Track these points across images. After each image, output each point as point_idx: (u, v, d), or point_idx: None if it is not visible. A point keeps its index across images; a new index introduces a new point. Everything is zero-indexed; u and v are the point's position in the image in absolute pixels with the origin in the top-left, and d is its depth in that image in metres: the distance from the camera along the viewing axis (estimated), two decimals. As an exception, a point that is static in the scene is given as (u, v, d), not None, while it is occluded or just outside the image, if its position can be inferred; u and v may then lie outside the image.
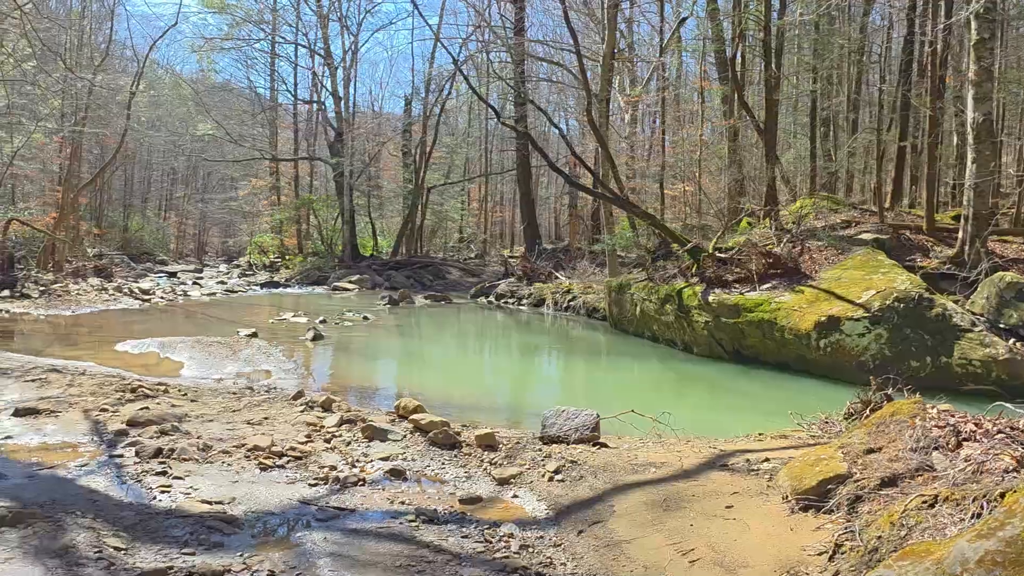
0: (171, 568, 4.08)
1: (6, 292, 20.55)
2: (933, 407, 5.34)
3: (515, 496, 5.70)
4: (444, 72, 38.69)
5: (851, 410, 7.35)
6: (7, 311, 18.04)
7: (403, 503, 5.41)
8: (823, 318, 11.65)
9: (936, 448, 4.66)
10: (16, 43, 20.70)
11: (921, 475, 4.46)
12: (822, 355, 11.63)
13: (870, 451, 4.96)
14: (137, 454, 6.10)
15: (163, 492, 5.30)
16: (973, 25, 13.01)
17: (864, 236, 14.52)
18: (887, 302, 11.26)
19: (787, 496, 4.99)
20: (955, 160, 19.96)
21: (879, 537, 3.89)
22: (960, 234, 13.62)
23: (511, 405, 11.33)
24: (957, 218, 14.73)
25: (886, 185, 18.71)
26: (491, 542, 4.79)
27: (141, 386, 8.81)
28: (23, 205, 30.83)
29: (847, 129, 24.17)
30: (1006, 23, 17.68)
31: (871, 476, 4.62)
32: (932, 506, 3.89)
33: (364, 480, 5.85)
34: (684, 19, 26.53)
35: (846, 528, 4.28)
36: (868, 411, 7.12)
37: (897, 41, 22.59)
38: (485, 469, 6.30)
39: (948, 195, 19.94)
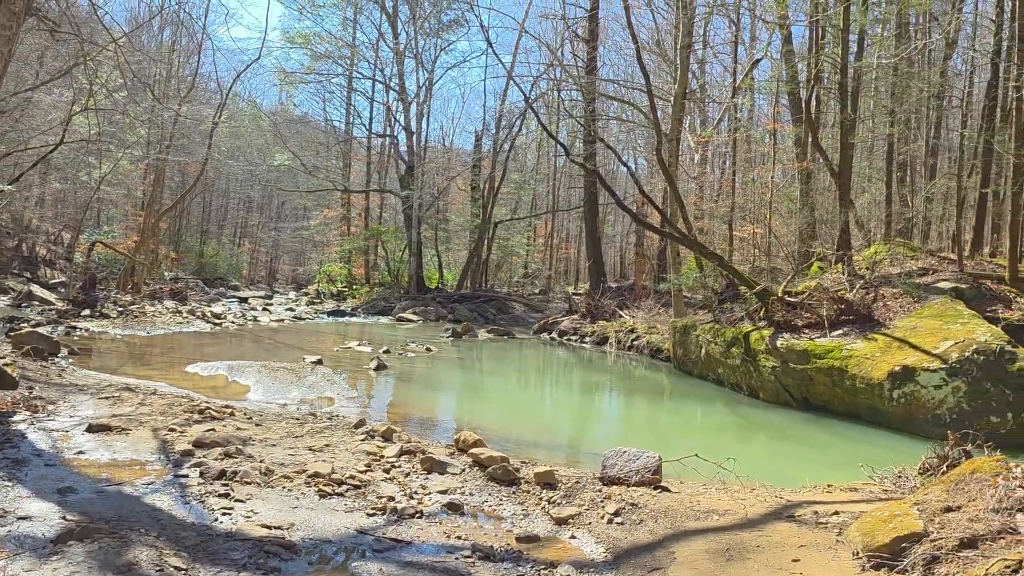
0: (229, 591, 4.11)
1: (86, 311, 21.33)
2: (1017, 466, 5.08)
3: (573, 537, 5.59)
4: (515, 109, 39.15)
5: (927, 465, 7.05)
6: (86, 330, 18.70)
7: (459, 538, 5.36)
8: (897, 368, 11.25)
9: (1020, 510, 4.42)
10: (109, 74, 21.68)
11: (1004, 538, 4.22)
12: (895, 406, 11.21)
13: (948, 509, 4.73)
14: (201, 475, 6.20)
15: (224, 514, 5.36)
16: (1062, 70, 12.59)
17: (942, 284, 14.04)
18: (966, 354, 10.82)
19: (858, 552, 4.79)
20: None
21: (957, 602, 3.69)
22: (1046, 286, 13.07)
23: (571, 443, 11.21)
24: (1043, 269, 14.16)
25: (966, 233, 18.11)
26: (547, 583, 4.70)
27: (208, 408, 9.00)
28: (107, 228, 32.14)
29: (925, 174, 23.55)
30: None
31: (949, 536, 4.39)
32: (1016, 572, 3.68)
33: (422, 512, 5.83)
34: (758, 61, 26.35)
35: (921, 590, 4.07)
36: (945, 467, 6.82)
37: (980, 86, 22.01)
38: (543, 508, 6.21)
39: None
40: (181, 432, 7.69)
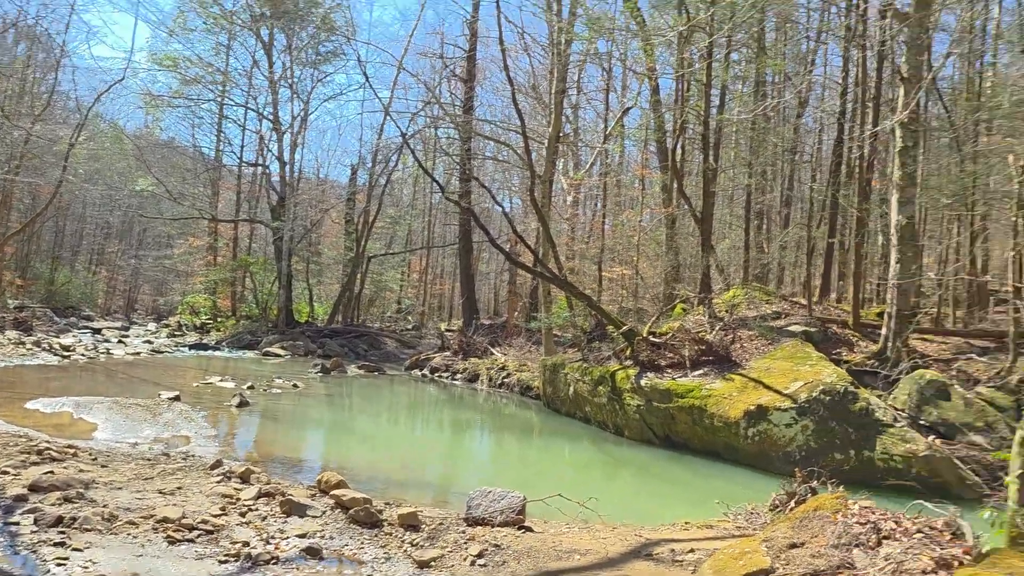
0: (58, 650, 3.80)
1: (-86, 341, 19.58)
2: (855, 503, 5.38)
3: (435, 580, 5.51)
4: (392, 144, 39.03)
5: (776, 502, 7.38)
6: (-87, 361, 17.15)
7: (317, 584, 5.18)
8: (752, 407, 11.79)
9: (857, 545, 4.68)
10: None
11: (842, 572, 4.45)
12: (750, 444, 11.72)
13: (793, 545, 4.95)
14: (36, 522, 5.74)
15: (59, 565, 4.98)
16: (898, 133, 13.71)
17: (793, 328, 14.85)
18: (814, 394, 11.46)
19: (710, 589, 4.93)
20: (880, 259, 20.76)
21: (799, 636, 3.84)
22: (884, 331, 14.05)
23: (439, 482, 11.11)
24: (881, 315, 15.21)
25: (815, 279, 19.29)
26: (406, 629, 4.60)
27: (48, 448, 8.38)
28: (-57, 252, 29.73)
29: (780, 223, 24.99)
30: (928, 133, 18.69)
31: (793, 572, 4.60)
32: (852, 605, 3.87)
33: (278, 558, 5.60)
34: (628, 109, 27.38)
35: (767, 625, 4.22)
36: (793, 503, 7.16)
37: (828, 144, 23.65)
38: (405, 550, 6.09)
39: (873, 292, 20.63)
40: (15, 475, 7.12)
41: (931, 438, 11.09)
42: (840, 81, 19.94)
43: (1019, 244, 14.18)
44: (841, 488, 7.19)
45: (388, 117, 34.45)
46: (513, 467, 12.60)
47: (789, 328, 14.89)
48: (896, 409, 11.81)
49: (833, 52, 24.74)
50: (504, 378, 22.30)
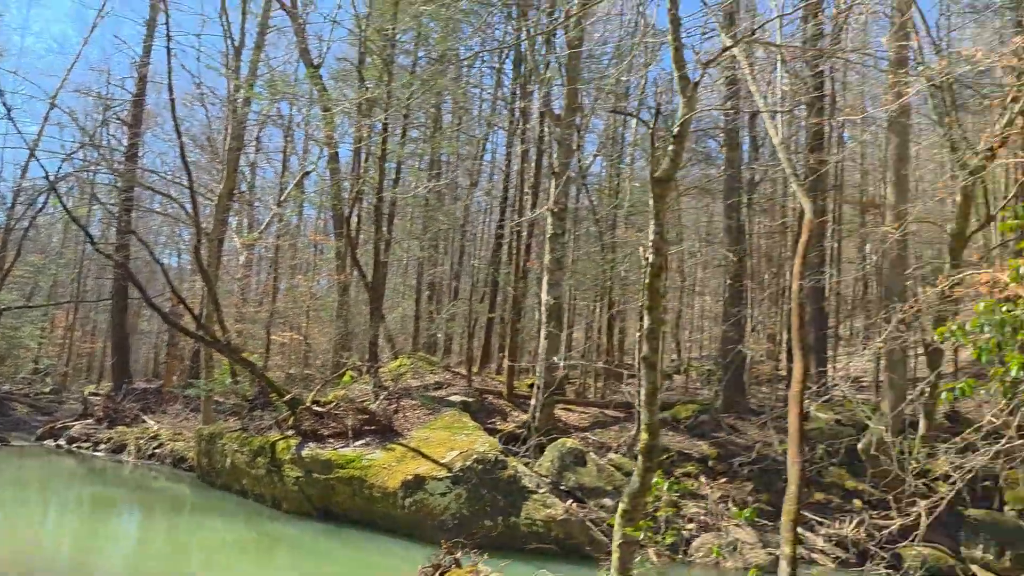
0: None
1: None
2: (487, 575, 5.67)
3: None
4: (39, 185, 34.86)
5: (423, 574, 7.55)
6: None
7: None
8: (409, 476, 12.02)
9: (483, 617, 4.91)
10: None
11: (466, 646, 4.64)
12: (407, 513, 11.90)
13: (426, 621, 5.08)
14: None
15: None
16: (549, 221, 15.14)
17: (453, 398, 15.50)
18: (467, 463, 11.99)
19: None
20: (536, 332, 22.53)
21: None
22: (533, 401, 15.18)
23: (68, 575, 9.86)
24: (532, 386, 16.44)
25: (476, 351, 20.39)
26: None
27: None
28: None
29: (450, 295, 26.14)
30: (577, 222, 20.85)
31: (422, 649, 4.70)
32: None
33: None
34: (307, 173, 27.17)
35: None
36: (438, 574, 7.37)
37: (493, 224, 25.37)
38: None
39: (530, 364, 22.24)
40: None
41: (569, 502, 12.11)
42: (504, 168, 21.63)
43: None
44: (485, 556, 7.56)
45: (33, 156, 30.90)
46: (156, 552, 11.60)
47: (450, 398, 15.51)
48: (541, 475, 12.75)
49: (502, 140, 26.80)
50: (156, 448, 20.54)
